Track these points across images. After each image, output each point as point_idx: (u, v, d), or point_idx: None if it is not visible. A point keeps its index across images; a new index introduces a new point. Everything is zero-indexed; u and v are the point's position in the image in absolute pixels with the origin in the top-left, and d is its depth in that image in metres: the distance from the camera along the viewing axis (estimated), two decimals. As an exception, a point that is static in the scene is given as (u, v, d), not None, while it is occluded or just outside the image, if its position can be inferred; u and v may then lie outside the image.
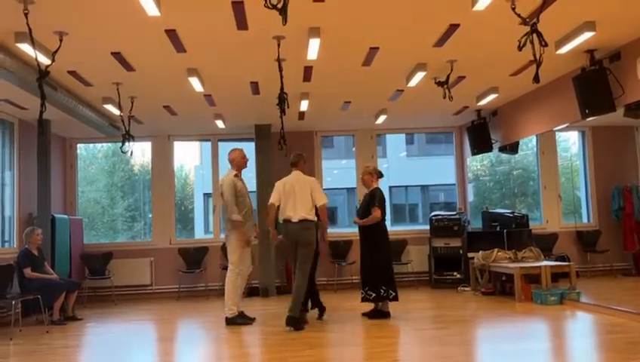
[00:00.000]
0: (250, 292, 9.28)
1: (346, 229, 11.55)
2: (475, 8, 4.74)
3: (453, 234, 9.63)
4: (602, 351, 4.88)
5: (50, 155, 8.61)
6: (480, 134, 9.29)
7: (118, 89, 6.87)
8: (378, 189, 6.60)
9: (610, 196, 7.65)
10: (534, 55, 4.43)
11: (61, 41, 5.08)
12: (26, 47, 5.02)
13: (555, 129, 7.75)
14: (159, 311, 8.35)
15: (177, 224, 10.72)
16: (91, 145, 15.39)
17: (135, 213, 17.27)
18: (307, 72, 6.61)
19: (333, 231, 11.03)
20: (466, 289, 8.86)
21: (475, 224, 10.03)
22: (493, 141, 9.15)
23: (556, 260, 7.99)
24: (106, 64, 6.01)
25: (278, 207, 6.31)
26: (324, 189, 10.31)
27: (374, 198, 6.48)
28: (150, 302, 9.31)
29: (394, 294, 6.39)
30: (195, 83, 6.67)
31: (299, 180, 6.33)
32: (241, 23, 5.03)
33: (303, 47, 5.61)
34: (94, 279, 9.30)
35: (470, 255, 8.91)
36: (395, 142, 21.18)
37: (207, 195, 19.22)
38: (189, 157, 21.22)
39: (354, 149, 10.66)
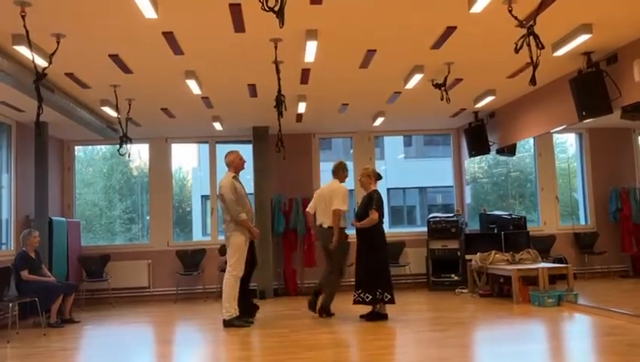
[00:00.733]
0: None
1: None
2: (472, 10, 4.75)
3: (451, 236, 9.64)
4: (600, 353, 4.89)
5: (47, 158, 8.60)
6: (477, 136, 9.30)
7: (115, 91, 6.87)
8: (376, 192, 6.60)
9: (608, 198, 7.65)
10: (531, 57, 4.44)
11: (58, 43, 5.07)
12: (23, 50, 5.02)
13: (552, 131, 7.76)
14: (157, 314, 8.33)
15: (175, 226, 10.71)
16: (89, 147, 15.38)
17: (133, 215, 17.23)
18: (305, 75, 6.61)
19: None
20: (464, 291, 8.86)
21: (473, 226, 10.04)
22: (490, 143, 9.16)
23: (554, 262, 7.99)
24: (103, 66, 6.01)
25: (314, 214, 7.06)
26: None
27: (372, 201, 6.48)
28: (148, 304, 9.29)
29: (390, 297, 6.39)
30: (193, 85, 6.67)
31: (330, 189, 6.92)
32: (239, 26, 5.03)
33: (300, 50, 5.61)
34: (92, 281, 9.28)
35: (468, 257, 8.91)
36: (393, 144, 21.18)
37: (204, 197, 19.16)
38: (186, 159, 21.18)
39: (352, 151, 10.67)
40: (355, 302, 6.50)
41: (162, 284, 9.79)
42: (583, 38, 5.48)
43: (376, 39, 5.59)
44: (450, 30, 5.35)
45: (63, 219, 9.15)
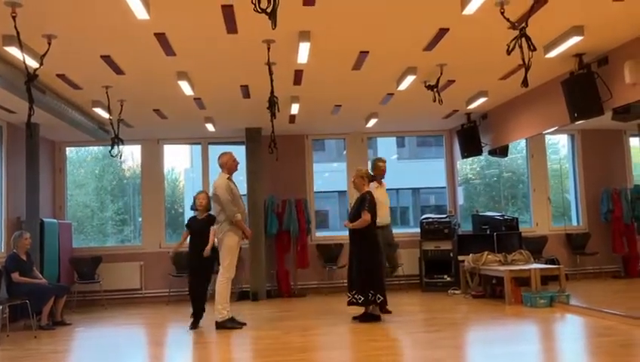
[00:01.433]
0: (241, 296, 9.26)
1: (337, 232, 11.53)
2: (464, 12, 4.76)
3: (444, 237, 9.65)
4: (592, 354, 4.90)
5: (38, 159, 8.55)
6: (470, 137, 9.33)
7: (107, 92, 6.83)
8: (369, 193, 6.60)
9: (600, 199, 7.70)
10: (523, 59, 4.46)
11: (49, 44, 5.04)
12: (14, 51, 4.98)
13: (544, 132, 7.79)
14: (149, 316, 8.29)
15: (167, 228, 10.67)
16: (81, 148, 15.29)
17: (125, 216, 17.14)
18: (297, 76, 6.61)
19: (324, 235, 11.06)
20: (457, 292, 8.87)
21: (466, 227, 10.06)
22: (483, 144, 9.19)
23: (546, 263, 8.02)
24: (95, 67, 5.98)
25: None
26: (316, 192, 10.42)
27: (364, 202, 6.48)
28: (140, 306, 9.25)
29: (382, 299, 6.39)
30: (185, 86, 6.64)
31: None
32: (231, 27, 5.02)
33: (293, 51, 5.61)
34: (83, 283, 9.23)
35: (460, 258, 8.93)
36: (386, 145, 21.18)
37: (197, 199, 19.11)
38: (179, 160, 21.09)
39: (345, 152, 10.67)
40: (350, 304, 6.49)
41: (154, 286, 9.75)
42: (574, 40, 5.51)
43: (369, 41, 5.59)
44: (442, 32, 5.37)
45: (55, 220, 9.09)
